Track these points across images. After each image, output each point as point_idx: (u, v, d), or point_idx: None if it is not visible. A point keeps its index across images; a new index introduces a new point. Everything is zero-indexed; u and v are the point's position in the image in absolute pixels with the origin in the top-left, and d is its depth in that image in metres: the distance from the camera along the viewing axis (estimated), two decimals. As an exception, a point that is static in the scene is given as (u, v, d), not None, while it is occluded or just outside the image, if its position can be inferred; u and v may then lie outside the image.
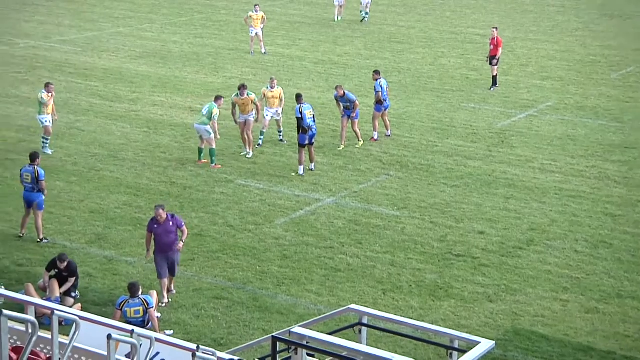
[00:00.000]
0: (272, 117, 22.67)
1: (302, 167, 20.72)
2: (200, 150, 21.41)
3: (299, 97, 20.86)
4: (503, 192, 20.18)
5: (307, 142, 20.58)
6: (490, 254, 16.97)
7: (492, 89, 28.77)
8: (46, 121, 21.46)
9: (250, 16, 33.25)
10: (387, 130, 23.68)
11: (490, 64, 28.92)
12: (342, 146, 22.57)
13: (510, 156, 22.68)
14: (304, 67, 31.79)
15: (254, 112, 21.88)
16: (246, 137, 21.94)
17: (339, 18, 40.86)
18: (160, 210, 14.73)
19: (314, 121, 20.76)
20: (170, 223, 14.75)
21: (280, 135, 23.06)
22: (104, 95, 27.32)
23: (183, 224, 14.98)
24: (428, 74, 31.29)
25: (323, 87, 28.80)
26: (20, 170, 17.14)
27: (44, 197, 16.85)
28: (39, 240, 16.78)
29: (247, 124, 21.87)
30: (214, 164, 21.05)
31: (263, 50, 33.39)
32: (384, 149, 22.84)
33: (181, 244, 14.98)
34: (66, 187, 19.71)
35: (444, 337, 10.03)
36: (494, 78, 29.01)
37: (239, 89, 21.96)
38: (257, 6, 33.53)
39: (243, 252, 16.78)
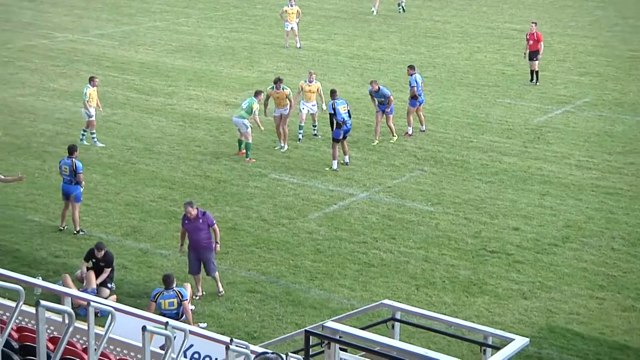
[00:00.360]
0: (308, 111, 22.70)
1: (335, 162, 20.70)
2: (240, 142, 21.53)
3: (333, 93, 20.85)
4: (538, 188, 20.01)
5: (341, 137, 20.57)
6: (525, 251, 16.84)
7: (536, 83, 28.49)
8: (92, 115, 21.74)
9: (286, 10, 33.30)
10: (422, 125, 23.59)
11: (530, 59, 28.59)
12: (377, 141, 22.52)
13: (546, 152, 22.46)
14: (339, 61, 31.75)
15: (288, 106, 21.94)
16: (281, 131, 21.98)
17: (375, 11, 40.90)
18: (189, 207, 14.70)
19: (349, 116, 20.74)
20: (201, 220, 14.68)
21: (314, 130, 23.07)
22: (140, 88, 27.54)
23: (214, 222, 14.89)
24: (463, 69, 31.09)
25: (358, 82, 28.74)
26: (59, 162, 17.35)
27: (81, 190, 17.04)
28: (75, 232, 16.98)
29: (283, 118, 21.92)
30: (248, 158, 21.14)
31: (298, 45, 33.41)
32: (418, 144, 22.75)
33: (218, 247, 14.91)
34: (102, 179, 19.91)
35: (478, 333, 9.98)
36: (535, 73, 28.67)
37: (275, 82, 22.04)
38: (293, 0, 33.57)
39: (276, 246, 16.83)
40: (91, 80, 21.93)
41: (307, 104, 22.62)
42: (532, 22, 29.56)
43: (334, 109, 20.38)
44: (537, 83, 28.59)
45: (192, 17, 39.57)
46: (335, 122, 20.42)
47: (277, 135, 22.22)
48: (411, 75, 23.03)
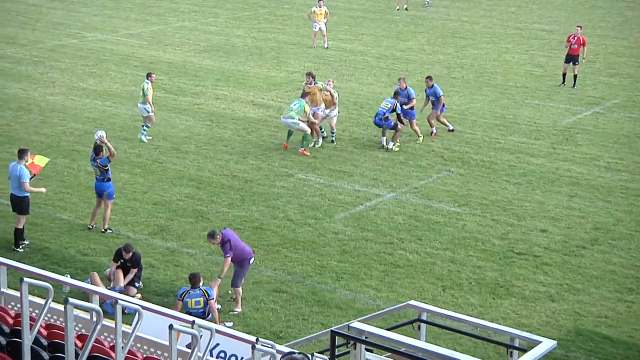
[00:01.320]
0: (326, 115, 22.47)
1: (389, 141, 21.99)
2: (289, 134, 21.76)
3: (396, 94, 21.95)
4: (567, 190, 19.85)
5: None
6: (553, 253, 16.72)
7: (573, 86, 28.06)
8: (148, 110, 22.19)
9: (314, 11, 33.40)
10: (449, 125, 23.47)
11: (571, 62, 28.00)
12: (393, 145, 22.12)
13: (575, 154, 22.29)
14: (366, 62, 31.72)
15: (322, 105, 22.03)
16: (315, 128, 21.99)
17: (405, 6, 41.49)
18: (211, 239, 14.42)
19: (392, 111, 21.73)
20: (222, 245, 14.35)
21: (332, 136, 22.59)
22: (168, 88, 27.70)
23: (225, 254, 14.26)
24: (491, 69, 30.93)
25: (385, 82, 28.69)
26: (91, 162, 17.45)
27: (113, 188, 17.16)
28: (103, 230, 17.12)
29: (316, 117, 22.03)
30: (303, 149, 21.32)
31: (325, 45, 33.44)
32: (445, 145, 22.67)
33: (219, 280, 14.36)
34: (130, 178, 20.05)
35: (504, 335, 9.93)
36: (574, 77, 28.15)
37: (306, 75, 22.44)
38: (321, 1, 33.59)
39: (303, 246, 16.85)
40: (149, 75, 22.54)
41: (314, 108, 22.12)
42: (578, 26, 29.04)
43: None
44: (575, 87, 28.09)
45: (220, 17, 39.73)
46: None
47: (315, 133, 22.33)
48: (432, 86, 22.75)
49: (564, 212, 18.62)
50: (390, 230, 17.59)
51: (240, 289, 14.47)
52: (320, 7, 33.28)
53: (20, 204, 16.28)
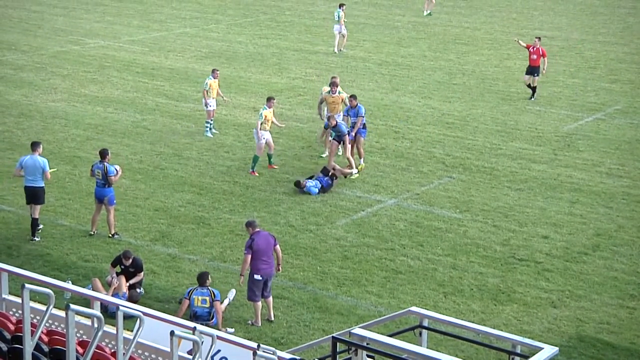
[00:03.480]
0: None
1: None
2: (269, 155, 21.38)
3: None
4: (568, 196, 19.84)
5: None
6: (554, 259, 16.70)
7: (531, 98, 27.22)
8: (210, 105, 23.04)
9: (341, 15, 33.58)
10: (353, 169, 20.44)
11: (531, 74, 27.05)
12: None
13: (577, 160, 22.28)
14: (368, 68, 31.74)
15: (341, 114, 21.14)
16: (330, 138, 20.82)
17: (429, 11, 42.58)
18: (245, 226, 14.54)
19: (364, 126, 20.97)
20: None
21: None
22: (169, 94, 27.73)
23: (245, 249, 14.23)
24: (493, 76, 30.95)
25: (386, 89, 28.72)
26: (92, 167, 17.50)
27: (114, 193, 17.20)
28: (110, 235, 17.13)
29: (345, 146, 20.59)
30: (252, 170, 20.88)
31: (339, 49, 33.70)
32: (446, 151, 22.67)
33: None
34: (132, 184, 20.06)
35: (506, 341, 9.91)
36: (534, 89, 27.15)
37: (330, 85, 21.49)
38: (343, 5, 34.00)
39: (304, 252, 16.84)
40: (213, 71, 23.34)
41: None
42: (536, 37, 28.00)
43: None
44: (533, 99, 27.10)
45: (221, 24, 39.79)
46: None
47: (324, 143, 21.63)
48: (357, 105, 20.75)
49: (566, 218, 18.61)
50: (391, 236, 17.58)
51: (256, 303, 14.12)
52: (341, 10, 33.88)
53: (37, 195, 16.90)
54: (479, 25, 40.62)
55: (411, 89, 28.13)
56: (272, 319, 14.29)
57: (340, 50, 33.75)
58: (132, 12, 42.17)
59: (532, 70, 27.20)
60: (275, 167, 21.04)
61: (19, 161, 17.23)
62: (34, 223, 16.99)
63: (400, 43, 36.19)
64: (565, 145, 23.43)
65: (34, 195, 16.91)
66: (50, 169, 17.26)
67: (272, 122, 20.78)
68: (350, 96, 21.21)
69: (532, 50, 27.23)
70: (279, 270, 14.65)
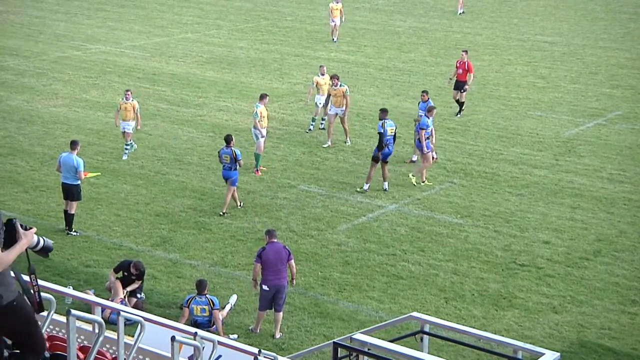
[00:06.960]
0: (336, 114, 22.97)
1: (367, 185, 20.01)
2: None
3: (383, 112, 20.11)
4: (569, 201, 19.83)
5: (379, 158, 19.72)
6: (556, 264, 16.69)
7: (457, 115, 26.01)
8: (260, 135, 21.19)
9: (331, 7, 36.43)
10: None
11: (458, 89, 25.91)
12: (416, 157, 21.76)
13: (578, 165, 22.28)
14: (369, 73, 31.77)
15: (344, 105, 22.72)
16: (345, 127, 22.90)
17: (462, 11, 44.06)
18: (265, 234, 14.38)
19: (394, 140, 19.95)
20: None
21: (312, 124, 24.08)
22: (171, 100, 27.75)
23: (255, 259, 14.27)
24: (494, 81, 30.97)
25: (387, 94, 28.73)
26: (219, 152, 18.71)
27: (237, 175, 18.43)
28: (222, 213, 18.26)
29: (338, 117, 22.78)
30: (256, 169, 21.06)
31: (334, 39, 35.89)
32: (447, 157, 22.67)
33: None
34: (133, 190, 20.06)
35: (507, 347, 9.90)
36: (461, 104, 26.12)
37: (331, 78, 23.02)
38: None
39: (305, 257, 16.83)
40: (262, 97, 20.97)
41: (321, 98, 23.56)
42: (463, 51, 26.81)
43: (383, 128, 19.62)
44: (459, 115, 25.97)
45: (223, 29, 39.84)
46: (380, 142, 19.62)
47: (327, 134, 23.10)
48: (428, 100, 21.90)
49: (567, 223, 18.59)
50: (392, 241, 17.58)
51: (260, 312, 14.07)
52: (337, 2, 36.21)
53: (71, 191, 17.41)
54: (480, 30, 40.66)
55: (412, 94, 28.13)
56: (277, 337, 13.97)
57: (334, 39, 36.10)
58: (134, 17, 42.22)
59: (459, 85, 25.92)
60: (261, 171, 20.91)
61: (58, 158, 17.93)
62: (68, 218, 17.48)
63: (401, 48, 36.23)
64: (566, 150, 23.42)
65: (68, 192, 17.46)
66: (92, 173, 17.60)
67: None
68: (332, 76, 23.00)
69: (458, 64, 26.10)
70: (292, 284, 14.40)
